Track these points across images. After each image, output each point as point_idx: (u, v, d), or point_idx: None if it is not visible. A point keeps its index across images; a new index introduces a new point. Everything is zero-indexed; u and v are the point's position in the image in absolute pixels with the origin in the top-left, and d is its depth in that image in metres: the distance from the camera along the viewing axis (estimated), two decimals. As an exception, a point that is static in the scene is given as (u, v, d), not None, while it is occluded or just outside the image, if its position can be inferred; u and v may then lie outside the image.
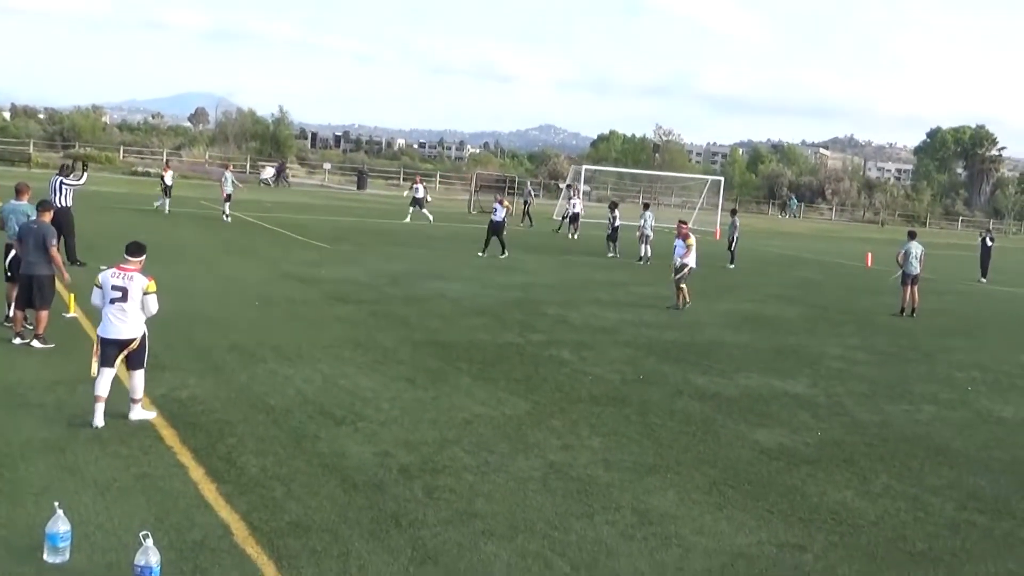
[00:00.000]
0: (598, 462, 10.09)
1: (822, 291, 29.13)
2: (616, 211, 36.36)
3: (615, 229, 35.54)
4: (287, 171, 70.42)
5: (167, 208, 36.57)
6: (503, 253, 30.41)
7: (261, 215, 39.45)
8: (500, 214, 31.07)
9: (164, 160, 48.43)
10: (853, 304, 26.13)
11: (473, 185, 60.51)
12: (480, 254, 30.26)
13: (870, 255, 39.60)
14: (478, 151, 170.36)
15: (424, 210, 43.72)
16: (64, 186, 21.13)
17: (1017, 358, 18.95)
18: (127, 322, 9.90)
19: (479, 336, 16.77)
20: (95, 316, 14.55)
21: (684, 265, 21.88)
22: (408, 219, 42.79)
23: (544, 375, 14.06)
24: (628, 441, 10.96)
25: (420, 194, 44.23)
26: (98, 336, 10.06)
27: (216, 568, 6.90)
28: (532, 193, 52.37)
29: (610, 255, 34.41)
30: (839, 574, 7.69)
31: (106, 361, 9.89)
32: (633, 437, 11.16)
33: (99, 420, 9.70)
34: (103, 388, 9.83)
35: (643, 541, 8.04)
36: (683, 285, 21.76)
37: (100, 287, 9.98)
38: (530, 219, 47.49)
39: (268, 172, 62.42)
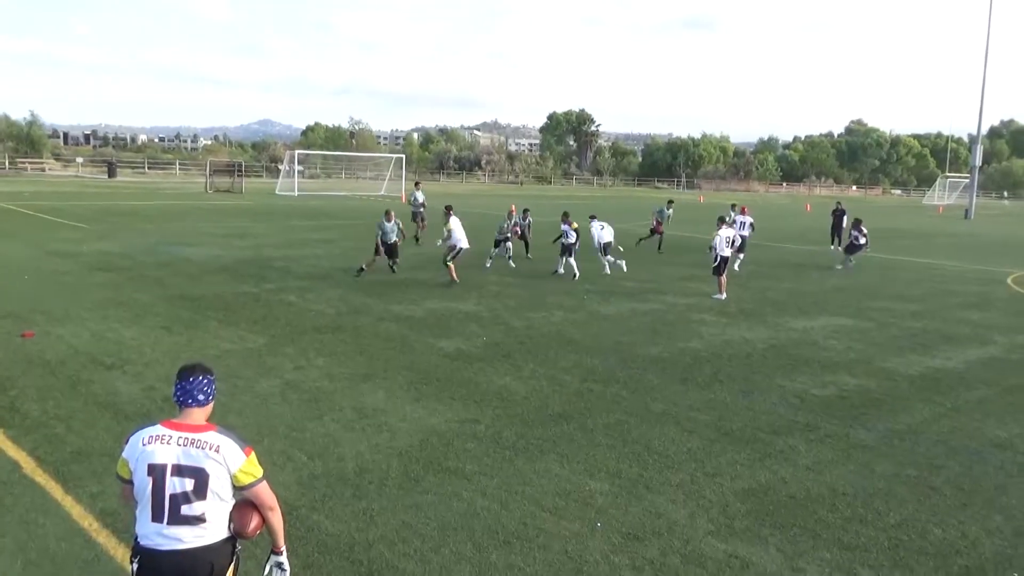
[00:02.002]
0: (324, 376, 10.02)
1: (477, 238, 29.19)
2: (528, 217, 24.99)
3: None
4: None
5: None
6: None
7: (22, 203, 35.33)
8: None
9: None
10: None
11: (208, 170, 57.85)
12: None
13: (514, 207, 40.96)
14: (210, 143, 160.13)
15: None
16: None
17: (615, 272, 20.48)
18: None
19: (222, 289, 16.00)
20: None
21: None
22: None
23: (277, 314, 13.68)
24: (346, 358, 10.94)
25: None
26: None
27: (9, 496, 6.31)
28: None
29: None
30: (503, 435, 8.14)
31: None
32: (349, 355, 11.15)
33: None
34: None
35: (361, 431, 8.12)
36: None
37: None
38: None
39: None
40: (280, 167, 64.29)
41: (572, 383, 10.16)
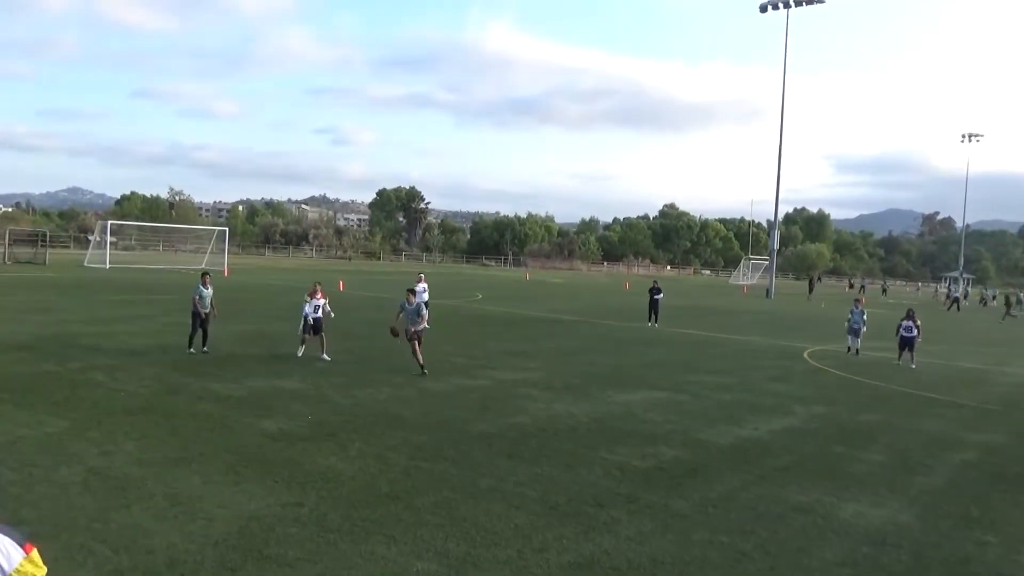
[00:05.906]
0: (133, 462, 9.35)
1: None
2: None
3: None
4: None
5: None
6: None
7: None
8: None
9: None
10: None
11: (6, 239, 53.68)
12: None
13: (342, 282, 40.65)
14: (10, 210, 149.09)
15: None
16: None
17: (443, 348, 20.50)
18: None
19: (18, 368, 14.70)
20: None
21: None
22: None
23: (81, 395, 12.71)
24: (158, 442, 10.28)
25: None
26: None
27: None
28: None
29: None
30: (328, 518, 7.86)
31: None
32: (162, 438, 10.49)
33: None
34: None
35: (174, 519, 7.61)
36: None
37: None
38: None
39: None
40: (90, 238, 60.83)
41: (400, 461, 10.01)
